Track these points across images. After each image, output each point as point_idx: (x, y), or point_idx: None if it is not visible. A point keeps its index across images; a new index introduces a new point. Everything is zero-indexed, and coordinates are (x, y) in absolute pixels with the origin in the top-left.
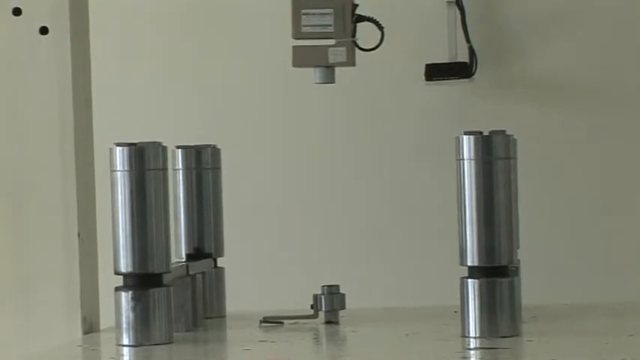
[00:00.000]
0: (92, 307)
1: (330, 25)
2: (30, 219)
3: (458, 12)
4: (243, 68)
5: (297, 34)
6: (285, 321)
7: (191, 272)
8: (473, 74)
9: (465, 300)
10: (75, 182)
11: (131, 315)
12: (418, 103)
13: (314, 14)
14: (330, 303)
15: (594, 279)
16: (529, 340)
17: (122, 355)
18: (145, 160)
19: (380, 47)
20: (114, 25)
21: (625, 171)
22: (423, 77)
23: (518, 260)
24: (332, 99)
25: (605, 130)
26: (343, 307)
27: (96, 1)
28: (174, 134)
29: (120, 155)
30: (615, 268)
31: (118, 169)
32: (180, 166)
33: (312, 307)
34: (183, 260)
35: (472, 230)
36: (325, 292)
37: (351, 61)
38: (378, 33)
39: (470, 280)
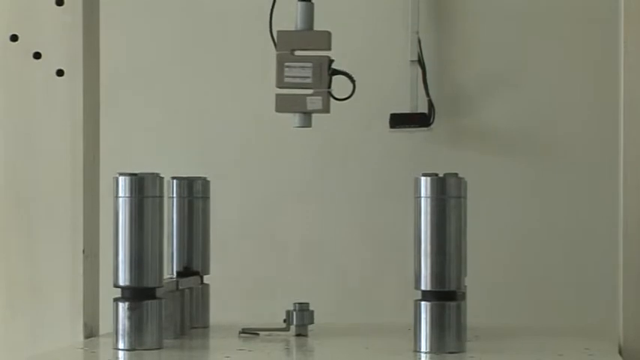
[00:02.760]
0: (93, 315)
1: (309, 77)
2: (42, 237)
3: (419, 70)
4: (233, 114)
5: (280, 84)
6: (261, 332)
7: (180, 287)
8: (431, 124)
9: (418, 319)
10: (82, 206)
11: (127, 323)
12: (383, 147)
13: (295, 67)
14: (301, 318)
15: (530, 305)
16: (471, 357)
17: (117, 357)
18: (143, 189)
19: (351, 97)
20: (123, 72)
21: (560, 206)
22: (388, 125)
23: (465, 286)
24: (308, 141)
25: (542, 172)
26: (312, 322)
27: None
28: (170, 166)
29: (122, 184)
30: (548, 295)
31: (120, 195)
32: (175, 195)
33: (284, 321)
34: (174, 277)
35: (426, 259)
36: (296, 309)
37: (326, 109)
38: (351, 85)
39: (423, 303)
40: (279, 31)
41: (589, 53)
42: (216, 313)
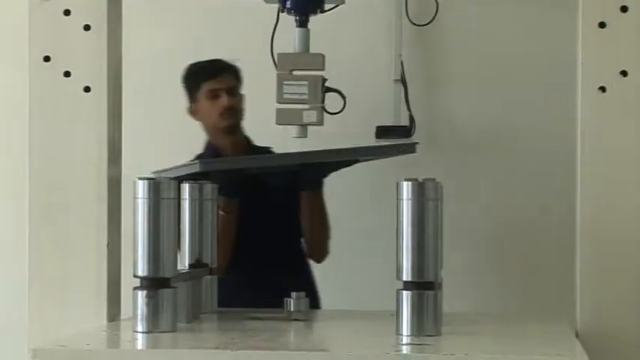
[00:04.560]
0: (115, 302)
1: (305, 94)
2: (71, 233)
3: (402, 88)
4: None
5: (280, 100)
6: (263, 318)
7: (192, 277)
8: (412, 135)
9: (400, 306)
10: (106, 205)
11: (145, 309)
12: None
13: (293, 85)
14: (297, 305)
15: (500, 294)
16: (446, 339)
17: (136, 339)
18: (160, 191)
19: (342, 112)
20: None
21: (523, 203)
22: (374, 136)
23: (441, 277)
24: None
25: (508, 176)
26: (307, 309)
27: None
28: None
29: (141, 187)
30: (513, 285)
31: (139, 197)
32: (187, 197)
33: (284, 308)
34: (187, 268)
35: (407, 253)
36: (294, 298)
37: (320, 122)
38: (342, 101)
39: (404, 292)
40: (279, 54)
41: (546, 69)
42: None
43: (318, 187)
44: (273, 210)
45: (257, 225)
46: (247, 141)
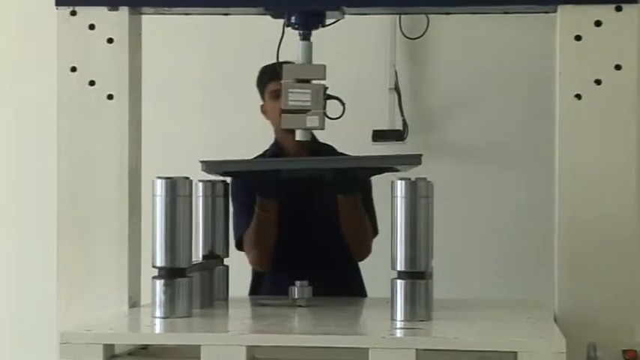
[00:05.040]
0: (135, 290)
1: (308, 101)
2: (95, 228)
3: (396, 95)
4: (247, 133)
5: (286, 106)
6: (270, 304)
7: (206, 268)
8: (405, 138)
9: (394, 294)
10: (127, 202)
11: (162, 296)
12: None
13: (297, 92)
14: (301, 293)
15: (485, 283)
16: (437, 323)
17: (155, 324)
18: (176, 189)
19: (342, 117)
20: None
21: (506, 201)
22: (371, 139)
23: (432, 267)
24: None
25: (492, 175)
26: (310, 296)
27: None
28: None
29: (159, 185)
30: (498, 275)
31: (157, 194)
32: (201, 194)
33: (289, 295)
34: (201, 259)
35: (401, 245)
36: (298, 286)
37: (321, 126)
38: (341, 107)
39: (398, 280)
40: (284, 65)
41: (527, 83)
42: (234, 289)
43: (350, 192)
44: (315, 211)
45: (299, 226)
46: (312, 138)
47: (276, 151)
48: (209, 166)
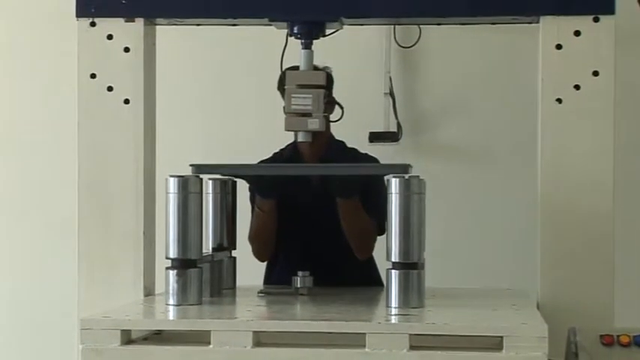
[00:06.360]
0: (150, 280)
1: (309, 105)
2: (113, 222)
3: (390, 100)
4: (254, 134)
5: (289, 109)
6: (274, 292)
7: (215, 259)
8: (399, 139)
9: (389, 283)
10: (143, 199)
11: (175, 285)
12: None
13: (299, 97)
14: (303, 282)
15: (474, 273)
16: (429, 310)
17: (168, 310)
18: (188, 187)
19: (340, 120)
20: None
21: (499, 197)
22: (367, 140)
23: (424, 258)
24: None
25: (480, 174)
26: (311, 286)
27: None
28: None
29: (172, 183)
30: (486, 266)
31: (170, 192)
32: (211, 191)
33: (291, 285)
34: (210, 251)
35: (395, 238)
36: (299, 276)
37: (322, 128)
38: (340, 110)
39: (393, 270)
40: (287, 72)
41: (512, 88)
42: (241, 279)
43: (346, 195)
44: (317, 210)
45: (308, 221)
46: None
47: (289, 152)
48: (198, 169)
